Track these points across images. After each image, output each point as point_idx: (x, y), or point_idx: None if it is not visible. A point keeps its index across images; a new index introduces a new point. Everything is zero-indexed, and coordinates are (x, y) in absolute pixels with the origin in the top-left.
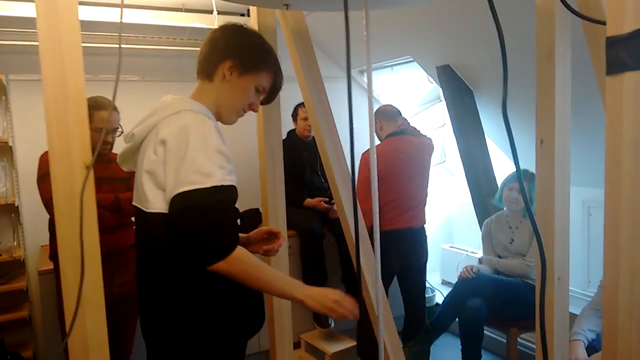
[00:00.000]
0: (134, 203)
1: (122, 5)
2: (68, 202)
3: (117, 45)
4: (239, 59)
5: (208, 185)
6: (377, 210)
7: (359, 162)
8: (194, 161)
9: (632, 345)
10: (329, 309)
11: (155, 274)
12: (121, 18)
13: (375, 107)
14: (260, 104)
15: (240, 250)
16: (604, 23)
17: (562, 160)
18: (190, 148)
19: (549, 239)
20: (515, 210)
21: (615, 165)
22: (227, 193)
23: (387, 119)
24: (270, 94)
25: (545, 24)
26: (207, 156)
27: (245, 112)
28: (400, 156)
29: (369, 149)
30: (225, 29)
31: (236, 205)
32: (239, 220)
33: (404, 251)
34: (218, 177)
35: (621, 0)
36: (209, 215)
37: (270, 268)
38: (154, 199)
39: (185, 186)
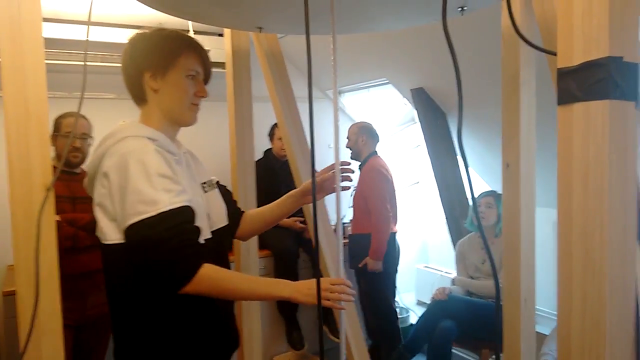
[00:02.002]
0: (96, 234)
1: (89, 23)
2: (26, 224)
3: (93, 63)
4: (152, 64)
5: (154, 213)
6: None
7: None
8: (136, 190)
9: None
10: (322, 298)
11: (120, 304)
12: (87, 36)
13: (349, 124)
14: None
15: (205, 269)
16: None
17: (527, 184)
18: (131, 177)
19: (515, 262)
20: (486, 227)
21: (567, 193)
22: (177, 216)
23: (371, 137)
24: (206, 70)
25: (511, 53)
26: (149, 183)
27: (196, 104)
28: (390, 172)
29: (376, 165)
30: (125, 52)
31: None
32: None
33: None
34: (164, 203)
35: (570, 33)
36: (159, 245)
37: (245, 276)
38: (108, 231)
39: (132, 218)
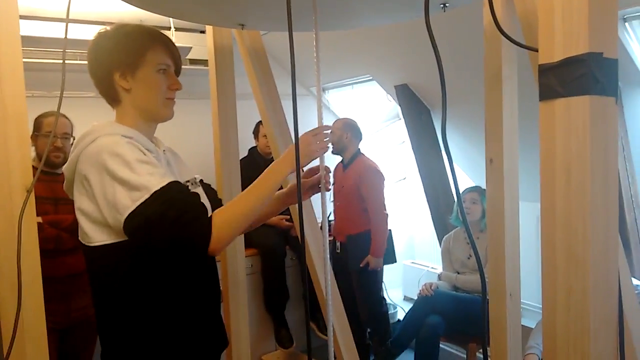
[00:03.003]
0: (79, 238)
1: (67, 20)
2: (6, 226)
3: (73, 61)
4: (120, 63)
5: (147, 195)
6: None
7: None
8: (123, 182)
9: None
10: (313, 152)
11: (107, 306)
12: (66, 34)
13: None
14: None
15: (215, 218)
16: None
17: (511, 179)
18: (113, 172)
19: (500, 256)
20: (472, 222)
21: (549, 188)
22: (169, 191)
23: (355, 135)
24: (176, 62)
25: (492, 49)
26: (132, 170)
27: (171, 98)
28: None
29: (372, 164)
30: (90, 54)
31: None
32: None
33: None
34: (154, 184)
35: (551, 29)
36: (163, 219)
37: (247, 191)
38: (92, 233)
39: (129, 208)
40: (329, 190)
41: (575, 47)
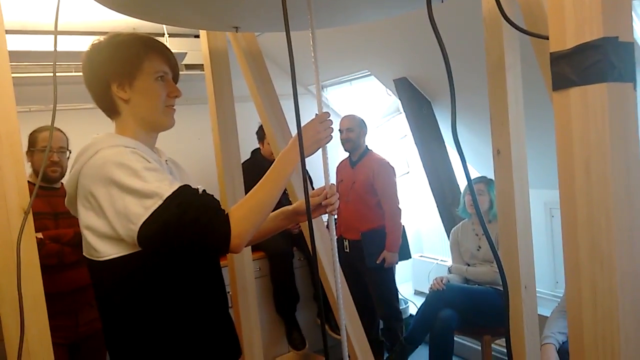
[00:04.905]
0: (84, 254)
1: (55, 32)
2: (5, 250)
3: (66, 74)
4: (116, 74)
5: (160, 201)
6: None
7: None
8: (132, 191)
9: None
10: (321, 140)
11: (116, 320)
12: (55, 46)
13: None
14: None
15: (232, 215)
16: (547, 38)
17: (519, 170)
18: (120, 182)
19: (513, 249)
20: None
21: (569, 181)
22: (182, 195)
23: (365, 133)
24: (173, 69)
25: (493, 37)
26: (140, 179)
27: (171, 106)
28: None
29: (385, 159)
30: (85, 67)
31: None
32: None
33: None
34: (165, 189)
35: (561, 15)
36: (182, 223)
37: (259, 186)
38: (101, 248)
39: (142, 217)
40: (333, 213)
41: (588, 32)
